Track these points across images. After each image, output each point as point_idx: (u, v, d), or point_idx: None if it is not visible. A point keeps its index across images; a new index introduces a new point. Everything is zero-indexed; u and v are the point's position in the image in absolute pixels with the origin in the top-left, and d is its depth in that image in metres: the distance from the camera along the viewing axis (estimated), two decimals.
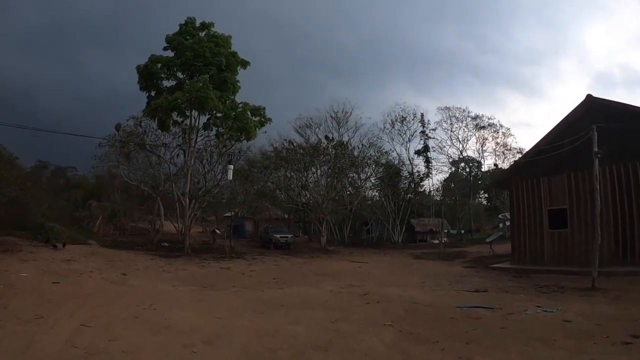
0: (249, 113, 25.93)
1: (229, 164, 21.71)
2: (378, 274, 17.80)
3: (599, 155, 13.42)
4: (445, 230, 36.26)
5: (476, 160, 46.07)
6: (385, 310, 9.35)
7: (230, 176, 21.23)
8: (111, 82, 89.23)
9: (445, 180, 49.38)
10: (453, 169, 47.76)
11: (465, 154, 44.63)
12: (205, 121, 26.62)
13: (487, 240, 26.87)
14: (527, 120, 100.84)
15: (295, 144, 34.09)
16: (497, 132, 43.32)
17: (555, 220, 17.82)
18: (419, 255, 26.85)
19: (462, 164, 47.28)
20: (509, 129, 45.07)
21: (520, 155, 38.82)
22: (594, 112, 16.08)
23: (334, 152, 34.11)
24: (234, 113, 25.38)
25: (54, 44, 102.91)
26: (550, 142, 17.48)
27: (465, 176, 47.81)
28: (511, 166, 24.42)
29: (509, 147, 42.91)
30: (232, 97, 26.04)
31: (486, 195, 52.42)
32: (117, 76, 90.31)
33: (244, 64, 26.66)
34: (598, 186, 13.46)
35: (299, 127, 37.23)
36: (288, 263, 21.99)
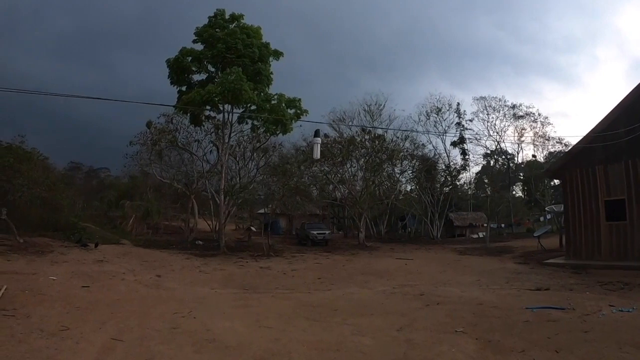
0: (284, 105, 25.07)
1: (316, 136, 15.67)
2: (427, 272, 16.87)
3: None
4: (485, 224, 34.74)
5: (509, 153, 44.45)
6: (450, 314, 8.52)
7: (317, 154, 16.35)
8: (144, 84, 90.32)
9: (478, 173, 47.86)
10: (485, 162, 46.23)
11: (503, 145, 43.02)
12: (239, 114, 25.95)
13: (535, 234, 25.69)
14: (564, 110, 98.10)
15: (330, 138, 33.02)
16: (536, 122, 41.62)
17: (613, 211, 16.60)
18: (462, 250, 25.93)
19: (496, 156, 45.58)
20: (547, 117, 43.14)
21: (559, 145, 37.20)
22: None
23: (370, 145, 32.96)
24: (268, 105, 24.56)
25: (87, 48, 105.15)
26: (605, 128, 16.48)
27: (499, 168, 46.14)
28: (564, 155, 22.96)
29: (547, 137, 41.17)
30: (266, 89, 25.24)
31: (523, 188, 50.30)
32: (150, 79, 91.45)
33: (277, 54, 25.91)
34: None
35: (333, 121, 36.70)
36: (329, 261, 21.09)
